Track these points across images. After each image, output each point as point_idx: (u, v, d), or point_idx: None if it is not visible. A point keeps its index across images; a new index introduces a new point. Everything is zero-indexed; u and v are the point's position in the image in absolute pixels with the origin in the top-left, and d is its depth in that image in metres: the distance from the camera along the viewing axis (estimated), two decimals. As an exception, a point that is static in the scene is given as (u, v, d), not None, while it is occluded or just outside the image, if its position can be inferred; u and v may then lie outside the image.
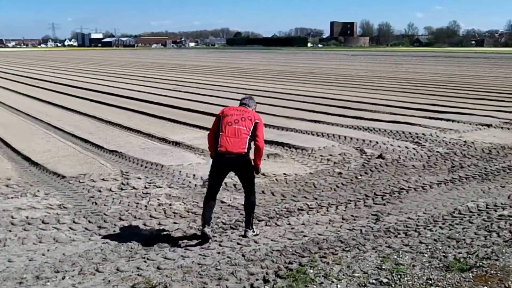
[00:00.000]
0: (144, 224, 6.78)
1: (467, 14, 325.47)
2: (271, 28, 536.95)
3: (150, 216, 7.12)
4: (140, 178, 8.96)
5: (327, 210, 7.33)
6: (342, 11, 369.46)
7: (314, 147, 11.19)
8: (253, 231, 6.31)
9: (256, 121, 6.04)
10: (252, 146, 6.05)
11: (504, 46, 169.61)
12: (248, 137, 5.95)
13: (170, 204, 7.60)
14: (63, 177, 9.06)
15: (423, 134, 12.85)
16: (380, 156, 10.52)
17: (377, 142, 11.87)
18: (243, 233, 6.33)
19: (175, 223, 6.85)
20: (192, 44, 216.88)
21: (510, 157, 10.64)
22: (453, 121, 14.96)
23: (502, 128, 13.99)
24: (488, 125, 14.25)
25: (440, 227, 6.50)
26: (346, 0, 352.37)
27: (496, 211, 7.19)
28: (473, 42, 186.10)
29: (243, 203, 6.52)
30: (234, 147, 5.90)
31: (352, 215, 7.09)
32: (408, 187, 8.50)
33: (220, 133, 6.01)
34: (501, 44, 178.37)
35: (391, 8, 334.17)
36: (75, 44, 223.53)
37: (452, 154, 10.85)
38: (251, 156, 6.10)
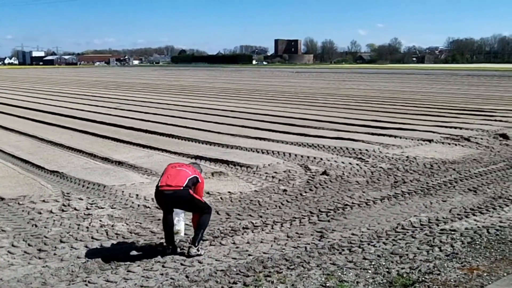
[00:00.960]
0: (86, 246, 6.55)
1: (408, 32, 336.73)
2: (216, 46, 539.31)
3: (92, 238, 6.90)
4: (82, 199, 8.68)
5: (272, 228, 7.29)
6: (286, 28, 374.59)
7: (259, 165, 11.18)
8: (197, 250, 6.19)
9: (197, 176, 6.36)
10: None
11: (444, 62, 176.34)
12: (186, 182, 6.19)
13: (112, 225, 7.39)
14: (2, 199, 8.70)
15: (366, 150, 13.06)
16: (324, 173, 10.60)
17: (321, 159, 11.96)
18: (186, 251, 6.21)
19: (118, 244, 6.65)
20: (136, 62, 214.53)
21: (451, 171, 10.93)
22: (395, 136, 15.29)
23: (443, 143, 14.38)
24: (430, 140, 14.62)
25: (383, 242, 6.57)
26: (290, 18, 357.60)
27: (438, 225, 7.33)
28: (414, 58, 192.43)
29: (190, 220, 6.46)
30: (174, 183, 6.16)
31: (297, 233, 7.08)
32: (352, 203, 8.58)
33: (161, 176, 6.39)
34: (441, 61, 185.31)
35: (334, 26, 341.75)
36: (16, 62, 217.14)
37: (395, 170, 11.05)
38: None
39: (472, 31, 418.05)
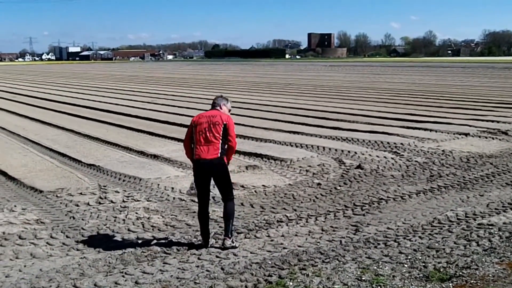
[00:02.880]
0: (122, 238, 6.69)
1: (443, 24, 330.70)
2: (249, 40, 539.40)
3: (128, 230, 7.02)
4: (118, 192, 8.84)
5: (307, 222, 7.29)
6: (319, 22, 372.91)
7: (292, 158, 11.17)
8: (232, 241, 6.24)
9: (224, 123, 6.17)
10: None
11: (479, 55, 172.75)
12: (220, 142, 6.14)
13: (148, 218, 7.50)
14: (41, 191, 8.91)
15: (401, 143, 12.91)
16: (359, 167, 10.53)
17: (355, 153, 11.89)
18: (221, 243, 6.27)
19: (153, 236, 6.75)
20: (170, 57, 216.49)
21: (488, 165, 10.73)
22: (430, 130, 15.07)
23: (479, 136, 14.12)
24: (466, 134, 14.38)
25: (419, 236, 6.50)
26: (323, 11, 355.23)
27: (475, 220, 7.21)
28: (449, 51, 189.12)
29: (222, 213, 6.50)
30: (208, 154, 6.11)
31: (331, 226, 7.06)
32: (387, 197, 8.51)
33: (195, 143, 6.23)
34: (476, 54, 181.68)
35: (368, 19, 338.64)
36: (53, 58, 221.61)
37: (431, 164, 10.91)
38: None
39: (508, 23, 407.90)
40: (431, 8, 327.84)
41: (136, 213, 7.73)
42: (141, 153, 12.19)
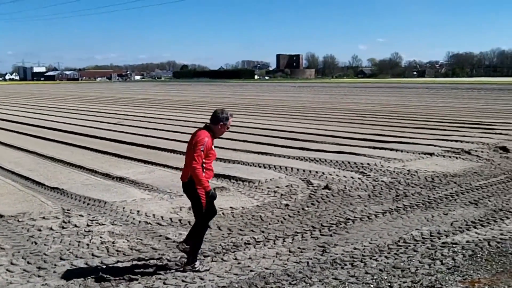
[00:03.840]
0: (86, 264, 6.53)
1: (408, 46, 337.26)
2: (218, 61, 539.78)
3: (92, 255, 6.88)
4: (82, 216, 8.67)
5: (274, 243, 7.27)
6: (288, 44, 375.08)
7: (261, 179, 11.17)
8: (193, 267, 6.16)
9: (193, 145, 6.05)
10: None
11: (444, 76, 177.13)
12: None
13: (113, 242, 7.37)
14: (1, 216, 8.67)
15: (368, 164, 13.05)
16: (326, 187, 10.59)
17: (323, 173, 11.96)
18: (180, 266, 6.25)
19: (118, 261, 6.62)
20: (138, 77, 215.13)
21: (452, 184, 10.91)
22: (396, 150, 15.28)
23: (444, 156, 14.37)
24: (431, 154, 14.62)
25: (385, 256, 6.54)
26: (291, 33, 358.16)
27: (439, 238, 7.31)
28: (414, 72, 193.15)
29: None
30: (183, 176, 6.22)
31: (299, 247, 7.05)
32: (354, 217, 8.56)
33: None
34: (441, 75, 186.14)
35: (335, 41, 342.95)
36: (17, 78, 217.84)
37: (397, 183, 11.03)
38: None
39: (471, 45, 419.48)
40: (398, 30, 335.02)
41: (101, 237, 7.59)
42: (107, 175, 12.02)
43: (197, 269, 6.16)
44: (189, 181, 6.08)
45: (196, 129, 6.43)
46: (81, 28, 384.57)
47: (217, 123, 6.25)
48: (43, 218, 8.55)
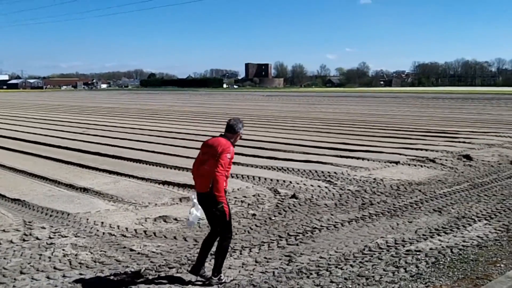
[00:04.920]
0: (48, 277, 6.36)
1: (375, 56, 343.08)
2: (186, 69, 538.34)
3: (54, 268, 6.70)
4: (44, 228, 8.47)
5: (241, 253, 7.22)
6: (257, 52, 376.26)
7: (228, 189, 11.08)
8: (219, 279, 6.05)
9: (219, 153, 5.84)
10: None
11: (410, 85, 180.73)
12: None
13: (76, 254, 7.21)
14: (-41, 229, 8.41)
15: (334, 172, 13.12)
16: (293, 196, 10.60)
17: (290, 182, 11.97)
18: (206, 280, 6.07)
19: (81, 274, 6.48)
20: (104, 86, 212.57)
21: (416, 193, 11.05)
22: (363, 159, 15.43)
23: (409, 164, 14.56)
24: (396, 162, 14.80)
25: (350, 265, 6.56)
26: (260, 42, 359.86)
27: (404, 246, 7.38)
28: (381, 82, 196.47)
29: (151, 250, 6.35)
30: (200, 187, 5.95)
31: (265, 257, 7.02)
32: (321, 226, 8.58)
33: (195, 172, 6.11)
34: (407, 84, 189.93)
35: (304, 50, 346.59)
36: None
37: (363, 192, 11.12)
38: None
39: (436, 55, 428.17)
40: (365, 40, 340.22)
41: (63, 249, 7.42)
42: (70, 186, 11.79)
43: (223, 281, 6.06)
44: (211, 191, 5.81)
45: (209, 137, 6.35)
46: (46, 35, 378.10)
47: (236, 133, 6.16)
48: (3, 231, 8.31)
